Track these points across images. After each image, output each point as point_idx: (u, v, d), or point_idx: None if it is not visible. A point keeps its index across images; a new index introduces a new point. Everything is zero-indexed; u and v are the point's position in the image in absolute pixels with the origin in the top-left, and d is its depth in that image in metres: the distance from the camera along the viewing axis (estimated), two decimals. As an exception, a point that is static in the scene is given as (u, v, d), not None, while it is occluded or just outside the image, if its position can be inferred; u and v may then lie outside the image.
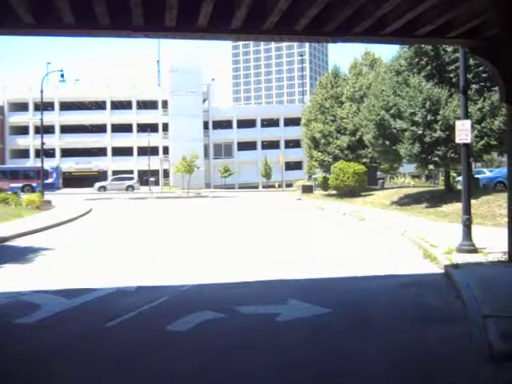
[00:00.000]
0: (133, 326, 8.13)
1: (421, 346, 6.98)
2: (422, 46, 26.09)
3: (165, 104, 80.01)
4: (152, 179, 63.45)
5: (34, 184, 50.92)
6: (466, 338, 7.29)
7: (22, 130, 79.91)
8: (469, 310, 8.43)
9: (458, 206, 21.04)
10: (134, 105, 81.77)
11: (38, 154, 68.04)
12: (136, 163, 79.92)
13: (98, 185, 64.97)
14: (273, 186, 69.43)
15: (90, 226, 24.12)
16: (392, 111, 28.32)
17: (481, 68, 24.36)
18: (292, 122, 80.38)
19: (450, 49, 26.03)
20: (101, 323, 8.13)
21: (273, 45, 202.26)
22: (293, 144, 79.86)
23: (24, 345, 7.28)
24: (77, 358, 6.74)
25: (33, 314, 8.61)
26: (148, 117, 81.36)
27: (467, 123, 13.92)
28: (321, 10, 9.66)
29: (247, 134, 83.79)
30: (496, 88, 22.40)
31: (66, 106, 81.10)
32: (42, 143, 38.79)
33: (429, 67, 27.33)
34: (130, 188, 64.13)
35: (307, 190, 48.19)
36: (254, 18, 9.98)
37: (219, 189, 70.56)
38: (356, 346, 7.06)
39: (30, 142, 78.29)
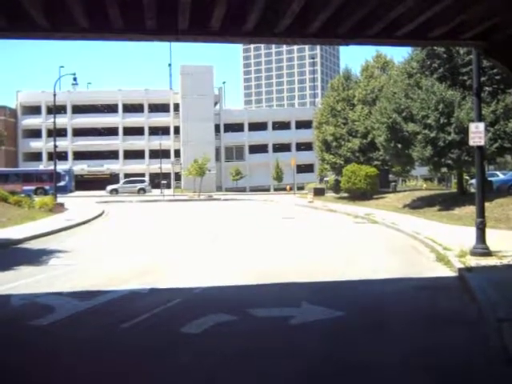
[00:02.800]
0: (147, 327, 8.16)
1: (436, 350, 6.93)
2: (435, 48, 25.99)
3: (176, 107, 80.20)
4: (164, 182, 63.56)
5: (47, 187, 51.18)
6: (482, 342, 7.24)
7: (35, 133, 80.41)
8: (484, 314, 8.37)
9: (471, 209, 20.93)
10: (146, 108, 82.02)
11: (50, 156, 68.42)
12: (147, 166, 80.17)
13: (109, 188, 65.15)
14: (284, 189, 69.28)
15: (102, 228, 24.24)
16: (404, 114, 28.23)
17: (494, 70, 24.21)
18: (303, 124, 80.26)
19: (462, 51, 25.91)
20: (114, 325, 8.16)
21: (284, 48, 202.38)
22: (304, 147, 79.78)
23: (39, 346, 7.32)
24: (90, 359, 6.78)
25: (47, 316, 8.66)
26: (160, 120, 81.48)
27: (481, 126, 13.84)
28: (333, 13, 9.64)
29: (259, 137, 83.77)
30: (510, 90, 22.31)
31: (79, 109, 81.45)
32: (55, 146, 38.99)
33: (441, 69, 27.23)
34: (142, 191, 64.26)
35: (319, 192, 48.05)
36: (266, 20, 9.97)
37: (231, 192, 70.59)
38: (370, 349, 7.03)
39: (43, 145, 78.77)
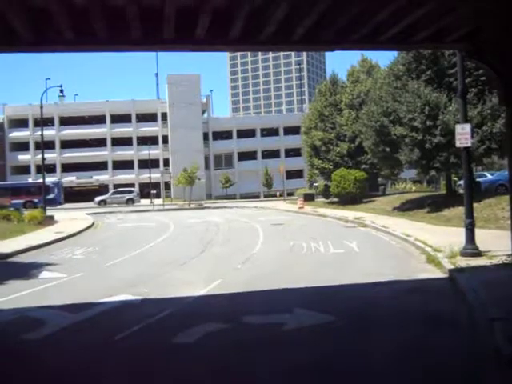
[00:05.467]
0: (139, 338, 8.12)
1: (428, 351, 6.96)
2: (421, 50, 26.14)
3: (164, 116, 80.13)
4: (153, 192, 63.40)
5: (36, 200, 50.76)
6: (473, 342, 7.27)
7: (23, 146, 79.95)
8: (475, 314, 8.42)
9: (460, 210, 21.03)
10: (134, 118, 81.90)
11: (38, 169, 68.05)
12: (137, 176, 79.99)
13: (98, 199, 64.81)
14: (274, 195, 69.33)
15: (92, 240, 24.10)
16: (391, 117, 28.36)
17: (480, 71, 24.37)
18: (291, 130, 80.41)
19: (448, 53, 26.07)
20: (107, 337, 8.12)
21: (270, 54, 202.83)
22: (293, 153, 79.87)
23: (31, 360, 7.27)
24: (83, 372, 6.73)
25: (39, 330, 8.60)
26: (148, 130, 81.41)
27: (467, 127, 13.95)
28: (317, 19, 9.70)
29: (247, 144, 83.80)
30: (496, 91, 22.41)
31: (66, 121, 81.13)
32: (43, 159, 38.80)
33: (428, 72, 27.37)
34: (130, 201, 63.95)
35: (309, 198, 48.09)
36: (251, 28, 10.01)
37: (221, 199, 70.50)
38: (361, 353, 7.05)
39: (31, 157, 78.30)
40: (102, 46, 10.54)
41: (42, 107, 39.38)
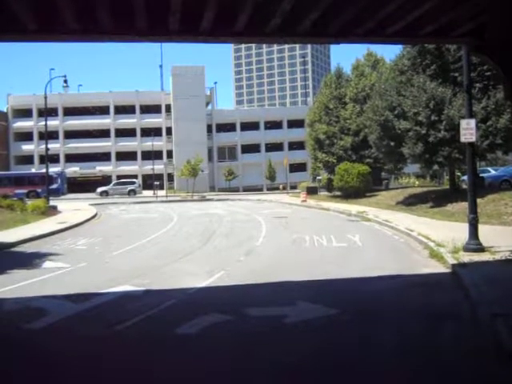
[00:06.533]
0: (141, 329, 8.14)
1: (430, 346, 6.96)
2: (426, 45, 26.04)
3: (168, 108, 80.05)
4: (157, 183, 63.40)
5: (39, 190, 50.93)
6: (475, 337, 7.27)
7: (26, 137, 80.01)
8: (477, 309, 8.41)
9: (463, 206, 21.01)
10: (138, 109, 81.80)
11: (42, 159, 68.08)
12: (140, 167, 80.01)
13: (99, 190, 64.81)
14: (277, 188, 69.38)
15: (95, 230, 24.15)
16: (396, 111, 28.29)
17: (485, 66, 24.28)
18: (295, 123, 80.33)
19: (453, 47, 25.97)
20: (109, 327, 8.15)
21: (275, 47, 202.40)
22: (296, 146, 79.83)
23: (33, 349, 7.29)
24: (85, 361, 6.75)
25: (42, 319, 8.63)
26: (151, 121, 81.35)
27: (472, 122, 13.90)
28: (323, 12, 9.67)
29: (251, 137, 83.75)
30: (500, 86, 22.32)
31: (70, 112, 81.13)
32: (47, 149, 38.82)
33: (433, 66, 27.28)
34: (132, 192, 63.99)
35: (312, 191, 48.05)
36: (257, 20, 9.99)
37: (224, 192, 70.51)
38: (362, 347, 7.06)
39: (34, 148, 78.46)
40: (108, 37, 10.50)
41: (46, 97, 39.36)
